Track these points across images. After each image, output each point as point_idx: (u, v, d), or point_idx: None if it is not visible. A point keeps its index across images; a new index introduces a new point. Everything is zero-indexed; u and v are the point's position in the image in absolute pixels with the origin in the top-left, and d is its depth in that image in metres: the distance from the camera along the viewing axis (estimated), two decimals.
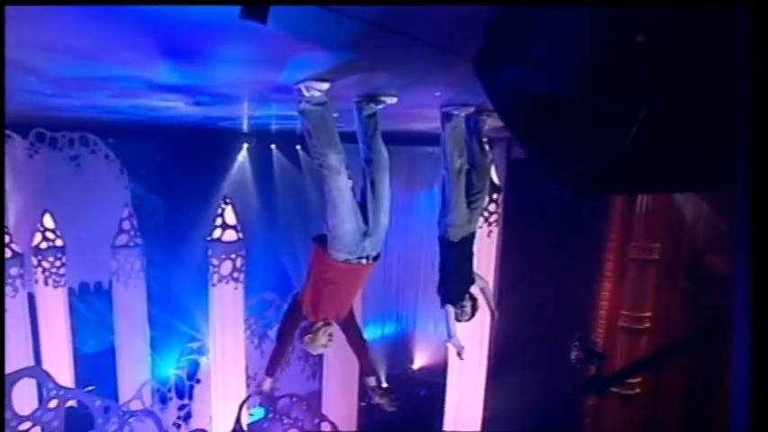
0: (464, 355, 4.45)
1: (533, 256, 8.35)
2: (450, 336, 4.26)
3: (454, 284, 4.07)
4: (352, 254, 3.04)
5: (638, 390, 7.95)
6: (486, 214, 7.00)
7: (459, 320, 4.18)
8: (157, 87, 3.28)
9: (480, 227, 4.73)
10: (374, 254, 3.14)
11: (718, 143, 1.44)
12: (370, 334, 10.16)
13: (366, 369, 3.77)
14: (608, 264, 8.26)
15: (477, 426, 7.97)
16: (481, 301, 4.33)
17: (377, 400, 3.74)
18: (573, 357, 5.58)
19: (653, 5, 1.31)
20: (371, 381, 3.78)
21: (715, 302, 6.95)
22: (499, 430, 8.42)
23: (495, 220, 7.40)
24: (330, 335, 3.32)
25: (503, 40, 1.64)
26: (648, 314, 7.88)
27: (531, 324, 8.49)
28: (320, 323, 3.27)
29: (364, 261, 3.11)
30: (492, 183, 6.24)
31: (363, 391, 8.59)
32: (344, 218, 2.94)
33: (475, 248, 4.23)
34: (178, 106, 4.20)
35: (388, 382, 10.40)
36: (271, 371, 3.75)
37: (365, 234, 3.04)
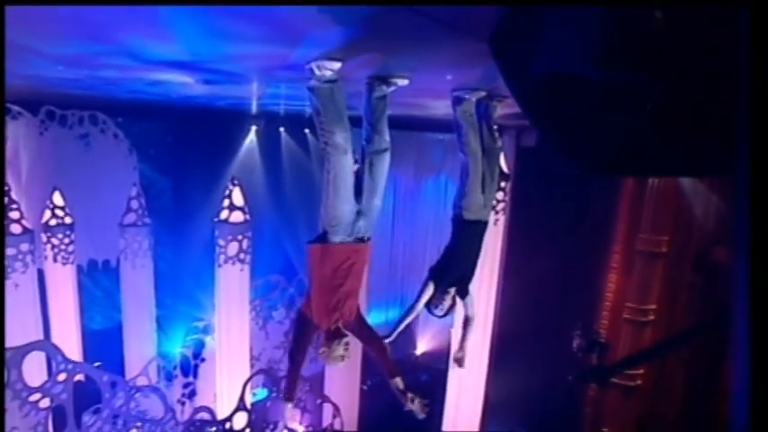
0: (464, 343, 4.38)
1: (540, 244, 8.33)
2: (410, 310, 3.96)
3: (452, 267, 3.94)
4: (349, 235, 3.05)
5: (639, 381, 7.97)
6: (493, 202, 6.96)
7: (431, 311, 3.95)
8: (167, 64, 3.28)
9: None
10: (368, 235, 3.14)
11: (725, 129, 1.43)
12: (373, 319, 10.21)
13: (390, 370, 3.45)
14: (615, 255, 8.24)
15: (478, 411, 8.03)
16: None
17: (408, 406, 3.35)
18: (575, 346, 5.59)
19: (653, 5, 1.30)
20: (399, 383, 3.40)
21: (722, 296, 6.92)
22: (499, 417, 8.48)
23: (503, 209, 7.37)
24: (346, 345, 3.22)
25: (518, 19, 1.61)
26: (653, 307, 7.86)
27: (535, 312, 8.50)
28: (333, 332, 3.19)
29: (360, 242, 3.11)
30: (501, 170, 6.19)
31: (365, 375, 8.68)
32: (344, 198, 2.94)
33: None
34: (188, 84, 4.20)
35: None
36: (289, 395, 3.61)
37: (359, 213, 3.04)
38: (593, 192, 7.94)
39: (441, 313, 3.98)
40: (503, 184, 7.17)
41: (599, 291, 8.38)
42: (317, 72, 2.71)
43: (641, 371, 7.95)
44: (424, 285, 3.92)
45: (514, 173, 7.88)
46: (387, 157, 3.09)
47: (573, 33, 1.38)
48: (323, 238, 3.05)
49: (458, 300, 4.06)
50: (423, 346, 11.32)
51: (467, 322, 4.31)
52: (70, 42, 2.80)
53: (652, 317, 7.84)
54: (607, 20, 1.29)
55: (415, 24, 2.11)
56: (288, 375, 3.58)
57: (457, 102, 3.64)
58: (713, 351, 7.15)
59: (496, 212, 7.22)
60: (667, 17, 1.23)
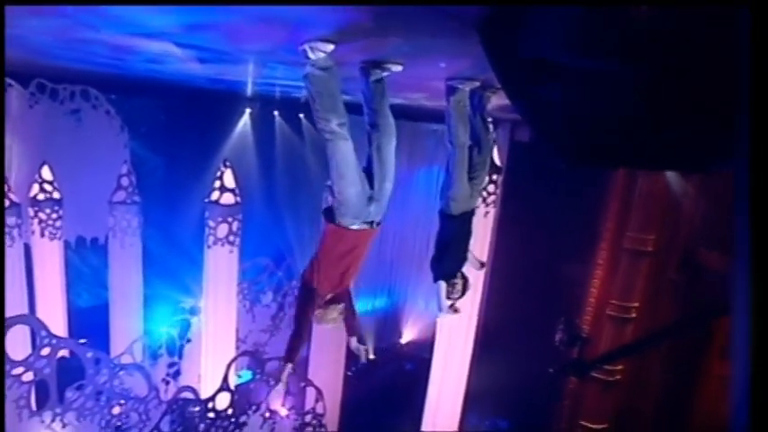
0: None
1: (529, 239, 8.42)
2: (440, 310, 4.24)
3: (449, 260, 4.06)
4: (358, 218, 3.08)
5: (618, 377, 8.12)
6: (484, 194, 7.00)
7: (449, 298, 4.16)
8: (162, 38, 3.24)
9: (477, 207, 4.75)
10: (378, 219, 3.18)
11: (709, 125, 1.45)
12: (361, 307, 10.28)
13: (350, 331, 3.84)
14: (602, 252, 8.34)
15: (459, 401, 8.13)
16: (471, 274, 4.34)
17: (356, 345, 3.82)
18: (557, 340, 5.68)
19: (653, 4, 1.31)
20: (353, 341, 3.85)
21: (703, 296, 7.04)
22: (480, 408, 8.60)
23: (493, 201, 7.42)
24: (340, 310, 3.41)
25: (508, 7, 1.63)
26: (636, 305, 8.00)
27: (521, 305, 8.61)
28: (329, 299, 3.35)
29: (370, 226, 3.15)
30: (493, 163, 6.22)
31: (350, 361, 8.75)
32: (349, 182, 2.97)
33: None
34: (182, 62, 4.16)
35: (375, 354, 10.59)
36: (291, 356, 3.71)
37: (371, 198, 3.07)
38: (584, 189, 8.02)
39: (458, 295, 4.17)
40: (494, 176, 7.21)
41: (584, 286, 8.49)
42: (310, 54, 2.69)
43: (620, 366, 8.10)
44: (439, 288, 4.09)
45: (507, 166, 7.92)
46: (393, 140, 3.14)
47: (559, 22, 1.39)
48: (334, 216, 3.09)
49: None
50: (408, 335, 11.41)
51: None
52: (42, 15, 2.75)
53: (634, 314, 7.97)
54: (592, 9, 1.31)
55: (409, 8, 2.11)
56: (291, 338, 3.66)
57: (450, 91, 3.64)
58: (691, 348, 7.29)
59: (487, 205, 7.27)
60: (651, 7, 1.25)
